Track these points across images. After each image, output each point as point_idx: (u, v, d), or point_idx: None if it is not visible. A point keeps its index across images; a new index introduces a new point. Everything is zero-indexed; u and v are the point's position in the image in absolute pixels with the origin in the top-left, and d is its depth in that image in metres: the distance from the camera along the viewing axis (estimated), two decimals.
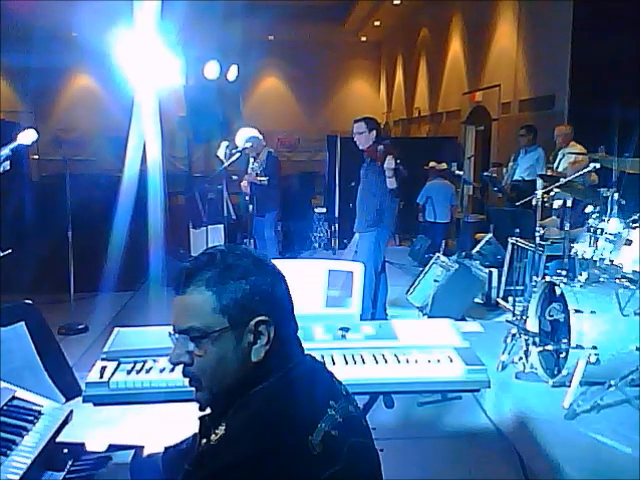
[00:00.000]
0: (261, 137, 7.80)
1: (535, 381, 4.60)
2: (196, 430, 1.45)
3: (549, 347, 4.58)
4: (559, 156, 7.21)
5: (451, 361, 2.71)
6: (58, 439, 1.93)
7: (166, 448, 1.86)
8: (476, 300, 6.64)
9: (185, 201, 9.13)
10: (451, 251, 8.14)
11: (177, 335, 1.39)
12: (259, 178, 7.53)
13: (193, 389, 1.41)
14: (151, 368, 2.59)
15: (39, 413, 1.93)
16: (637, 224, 4.41)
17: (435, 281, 6.10)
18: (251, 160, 7.74)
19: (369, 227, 5.77)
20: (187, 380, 1.41)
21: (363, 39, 19.94)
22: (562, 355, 4.45)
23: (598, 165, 4.86)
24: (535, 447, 3.80)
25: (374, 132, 5.75)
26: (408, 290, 6.64)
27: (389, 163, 5.55)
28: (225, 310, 1.34)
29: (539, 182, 5.30)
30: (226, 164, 7.56)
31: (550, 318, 4.62)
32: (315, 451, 1.27)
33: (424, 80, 15.83)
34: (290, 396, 1.34)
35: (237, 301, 1.34)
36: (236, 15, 13.29)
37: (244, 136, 7.66)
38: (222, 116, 9.65)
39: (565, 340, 4.38)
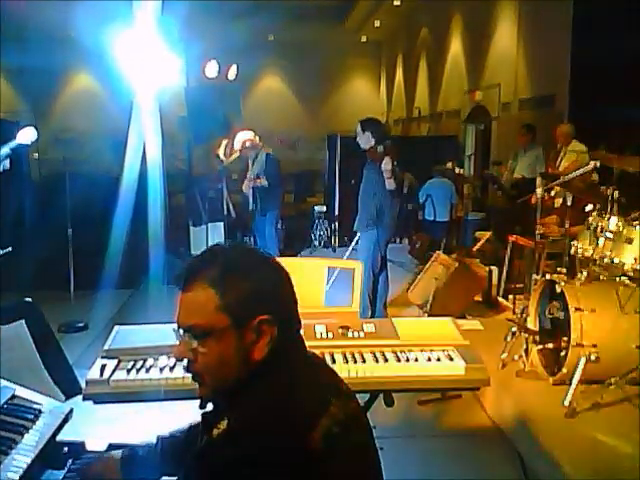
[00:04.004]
0: (257, 139, 7.82)
1: (535, 379, 4.59)
2: (192, 421, 1.46)
3: (549, 345, 4.58)
4: (560, 155, 7.21)
5: (451, 359, 2.71)
6: (58, 438, 1.92)
7: (159, 437, 1.86)
8: (476, 298, 6.64)
9: (185, 199, 9.14)
10: (451, 249, 8.13)
11: (181, 332, 1.39)
12: (259, 181, 7.55)
13: (196, 385, 1.42)
14: (151, 366, 2.59)
15: (39, 411, 1.93)
16: (637, 222, 4.41)
17: (435, 279, 6.11)
18: (250, 163, 7.76)
19: (369, 226, 5.78)
20: (190, 375, 1.42)
21: (363, 39, 19.94)
22: (562, 353, 4.44)
23: (598, 164, 4.86)
24: (535, 446, 3.79)
25: (374, 133, 5.77)
26: (408, 288, 6.64)
27: (386, 164, 5.59)
28: (228, 308, 1.33)
29: (539, 180, 5.30)
30: (226, 163, 7.57)
31: (550, 316, 4.62)
32: (316, 447, 1.27)
33: (424, 80, 15.84)
34: (292, 392, 1.34)
35: (240, 300, 1.34)
36: (236, 15, 13.31)
37: (240, 139, 7.71)
38: (222, 116, 9.65)
39: (565, 338, 4.38)
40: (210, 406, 1.46)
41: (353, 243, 6.57)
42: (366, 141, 5.79)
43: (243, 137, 7.71)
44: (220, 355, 1.35)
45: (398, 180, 5.70)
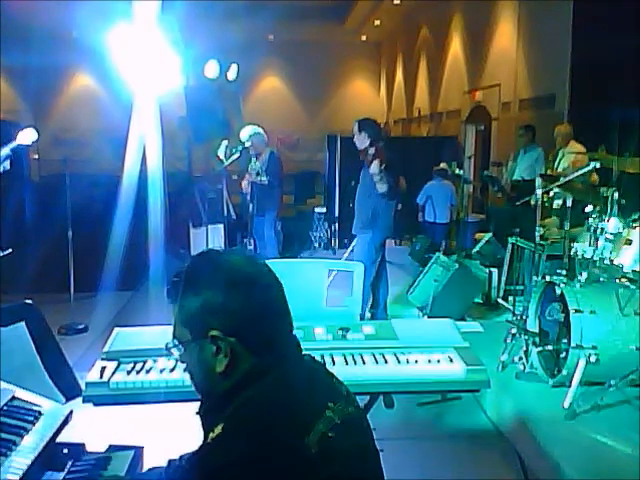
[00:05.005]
0: (264, 135, 7.81)
1: (535, 381, 4.59)
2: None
3: (549, 347, 4.58)
4: (559, 156, 7.21)
5: (451, 361, 2.71)
6: (58, 439, 1.92)
7: (169, 461, 1.86)
8: (476, 300, 6.63)
9: (185, 201, 9.13)
10: (451, 251, 8.13)
11: None
12: (260, 178, 7.54)
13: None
14: (151, 368, 2.60)
15: (39, 413, 1.93)
16: (637, 224, 4.41)
17: (435, 281, 6.11)
18: (252, 160, 7.74)
19: (364, 228, 5.78)
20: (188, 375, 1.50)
21: (363, 39, 19.93)
22: (562, 355, 4.44)
23: (598, 164, 4.85)
24: (535, 447, 3.79)
25: (368, 134, 5.75)
26: (408, 290, 6.64)
27: (373, 168, 5.57)
28: (186, 323, 1.41)
29: (539, 182, 5.30)
30: (226, 163, 7.55)
31: (550, 318, 4.62)
32: (311, 452, 1.27)
33: (424, 80, 15.83)
34: (286, 397, 1.35)
35: (193, 315, 1.40)
36: (236, 15, 13.29)
37: (248, 132, 7.67)
38: (222, 116, 9.65)
39: (565, 340, 4.38)
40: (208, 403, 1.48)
41: (352, 245, 6.57)
42: (362, 141, 5.78)
43: (251, 130, 7.70)
44: (189, 365, 1.45)
45: (390, 183, 5.64)
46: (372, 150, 5.67)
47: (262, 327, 1.41)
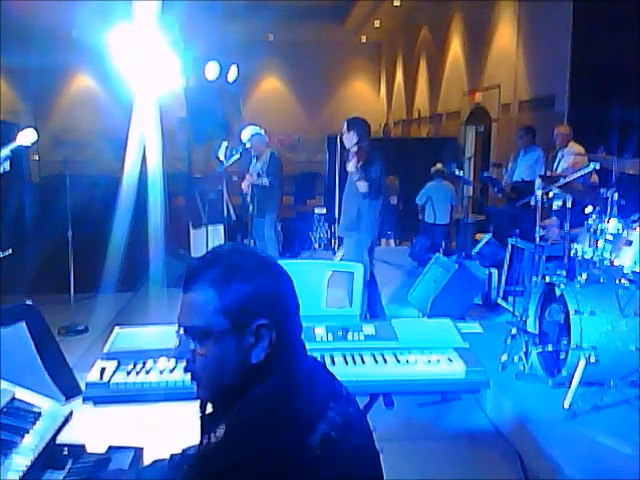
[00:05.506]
0: (265, 136, 7.82)
1: (535, 382, 4.59)
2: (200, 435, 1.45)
3: (549, 348, 4.57)
4: (559, 156, 7.21)
5: (451, 361, 2.71)
6: (58, 439, 1.92)
7: (172, 455, 1.85)
8: (476, 300, 6.63)
9: (185, 201, 9.14)
10: (451, 251, 8.14)
11: (181, 332, 1.39)
12: (261, 179, 7.55)
13: (195, 385, 1.42)
14: (151, 368, 2.60)
15: (39, 414, 1.93)
16: (637, 224, 4.41)
17: (435, 282, 6.10)
18: (253, 161, 7.75)
19: (348, 230, 5.74)
20: (189, 375, 1.41)
21: (363, 39, 19.96)
22: (562, 356, 4.44)
23: (598, 165, 4.85)
24: (535, 447, 3.79)
25: (356, 133, 5.70)
26: (408, 291, 6.64)
27: (350, 167, 5.52)
28: (227, 311, 1.33)
29: (539, 182, 5.30)
30: (226, 164, 7.56)
31: (550, 319, 4.61)
32: (314, 453, 1.27)
33: (424, 80, 15.85)
34: (289, 397, 1.34)
35: (239, 303, 1.33)
36: (236, 15, 13.30)
37: (249, 132, 7.69)
38: (222, 117, 9.66)
39: (565, 341, 4.38)
40: (209, 409, 1.45)
41: (342, 247, 6.55)
42: (350, 140, 5.73)
43: (251, 131, 7.72)
44: (217, 357, 1.35)
45: (371, 182, 5.52)
46: (354, 149, 5.63)
47: (294, 322, 1.42)
